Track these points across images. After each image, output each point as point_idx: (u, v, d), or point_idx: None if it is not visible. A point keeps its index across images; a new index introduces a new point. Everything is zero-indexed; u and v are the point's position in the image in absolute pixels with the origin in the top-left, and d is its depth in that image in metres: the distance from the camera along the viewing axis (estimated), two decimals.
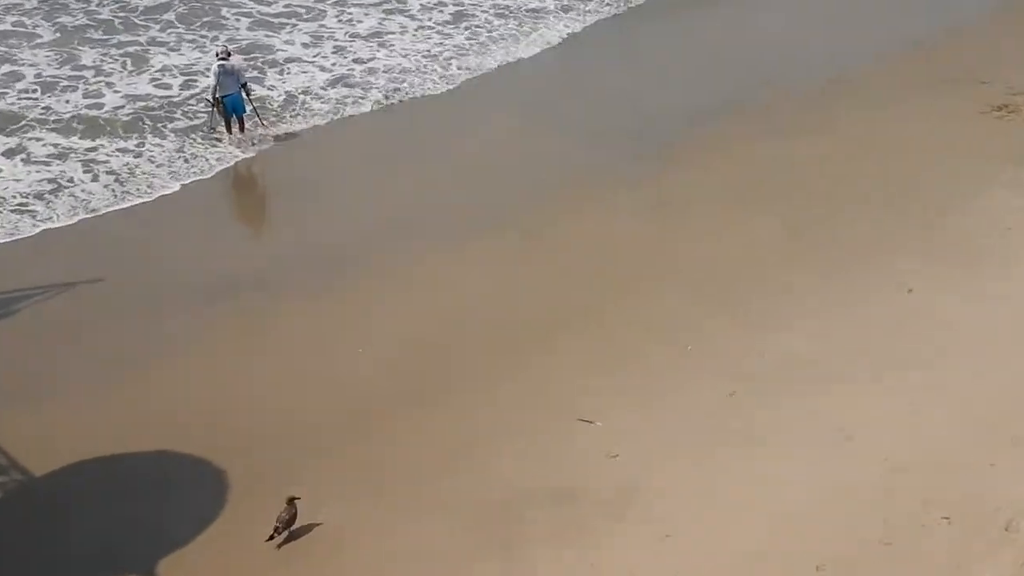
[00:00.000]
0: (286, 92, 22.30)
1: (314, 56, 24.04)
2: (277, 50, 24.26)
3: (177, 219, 17.71)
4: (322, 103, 21.82)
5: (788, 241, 16.18)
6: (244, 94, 20.23)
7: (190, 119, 20.92)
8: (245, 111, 20.35)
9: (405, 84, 22.61)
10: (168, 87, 22.32)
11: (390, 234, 16.69)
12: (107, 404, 13.23)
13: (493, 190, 18.25)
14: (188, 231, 17.40)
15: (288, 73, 23.19)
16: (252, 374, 13.76)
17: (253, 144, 20.16)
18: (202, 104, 20.94)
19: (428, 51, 24.22)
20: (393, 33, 25.16)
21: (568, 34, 25.15)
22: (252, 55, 23.77)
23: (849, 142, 19.26)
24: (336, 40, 24.85)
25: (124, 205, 18.12)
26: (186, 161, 19.63)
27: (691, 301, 14.72)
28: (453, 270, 15.74)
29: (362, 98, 22.08)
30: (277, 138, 20.46)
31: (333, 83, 22.64)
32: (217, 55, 20.39)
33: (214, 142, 20.13)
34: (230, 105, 20.16)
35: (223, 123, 20.29)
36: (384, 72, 23.18)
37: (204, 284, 15.59)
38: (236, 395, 13.37)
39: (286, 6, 26.24)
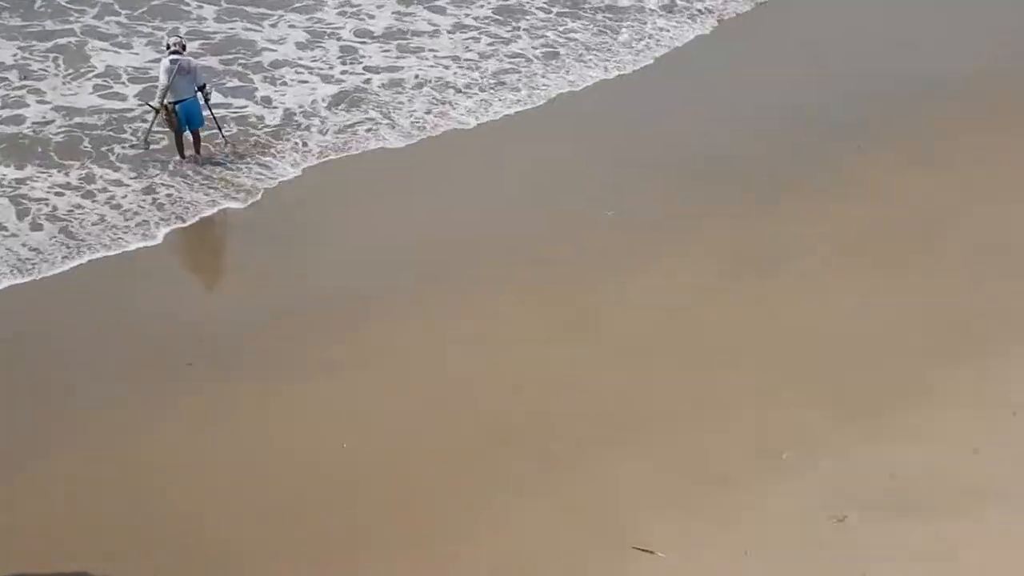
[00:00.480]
0: (284, 109, 20.39)
1: (312, 60, 22.21)
2: (262, 49, 22.18)
3: (141, 278, 16.60)
4: (328, 130, 19.97)
5: (925, 315, 15.65)
6: (203, 100, 18.72)
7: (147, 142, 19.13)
8: (203, 123, 18.84)
9: (445, 107, 20.62)
10: (118, 97, 20.54)
11: (396, 300, 15.87)
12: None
13: (538, 238, 17.35)
14: (149, 291, 16.39)
15: (281, 83, 21.19)
16: (196, 481, 12.97)
17: (213, 162, 18.84)
18: (148, 113, 19.24)
19: (475, 61, 22.33)
20: (421, 33, 23.20)
21: (672, 45, 23.47)
22: (228, 55, 22.08)
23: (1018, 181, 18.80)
24: (341, 39, 23.03)
25: (77, 262, 16.53)
26: (160, 207, 17.80)
27: (789, 394, 14.21)
28: (473, 344, 15.05)
29: (388, 125, 20.16)
30: (273, 176, 18.73)
31: (340, 100, 20.88)
32: (168, 48, 18.72)
33: (189, 180, 18.35)
34: (183, 114, 18.58)
35: (175, 140, 18.75)
36: (413, 88, 21.30)
37: (153, 359, 14.76)
38: (164, 512, 12.56)
39: None
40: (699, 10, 24.63)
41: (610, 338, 15.28)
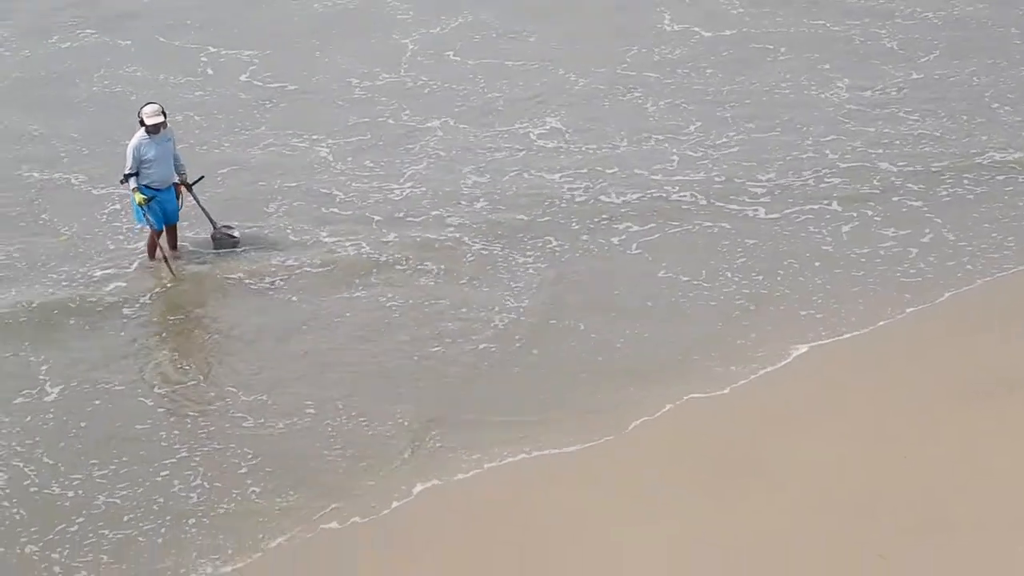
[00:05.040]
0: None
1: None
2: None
3: None
4: None
5: None
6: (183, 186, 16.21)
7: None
8: (177, 218, 16.27)
9: None
10: None
11: None
12: None
13: None
14: None
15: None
16: None
17: None
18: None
19: None
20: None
21: None
22: None
23: None
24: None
25: None
26: None
27: None
28: None
29: None
30: None
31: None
32: (143, 123, 15.58)
33: None
34: (160, 210, 15.99)
35: (162, 255, 16.00)
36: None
37: None
38: None
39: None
40: None
41: None
